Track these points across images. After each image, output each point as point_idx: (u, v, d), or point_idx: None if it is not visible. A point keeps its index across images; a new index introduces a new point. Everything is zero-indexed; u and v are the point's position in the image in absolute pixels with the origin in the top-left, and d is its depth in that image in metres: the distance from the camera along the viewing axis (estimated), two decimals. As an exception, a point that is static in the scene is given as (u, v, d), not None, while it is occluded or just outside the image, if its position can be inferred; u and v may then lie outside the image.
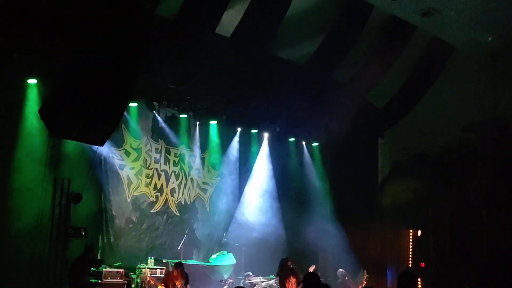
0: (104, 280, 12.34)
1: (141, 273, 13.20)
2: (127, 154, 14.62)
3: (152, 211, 15.08)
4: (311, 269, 13.93)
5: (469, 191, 15.93)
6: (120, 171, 14.43)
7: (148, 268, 13.31)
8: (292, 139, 17.92)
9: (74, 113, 8.76)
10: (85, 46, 9.17)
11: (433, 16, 12.86)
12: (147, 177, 15.05)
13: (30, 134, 11.93)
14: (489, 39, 13.61)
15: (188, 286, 12.29)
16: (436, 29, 13.69)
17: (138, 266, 13.59)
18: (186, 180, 15.95)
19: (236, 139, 16.83)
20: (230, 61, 12.86)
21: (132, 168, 14.73)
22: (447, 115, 15.67)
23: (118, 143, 14.33)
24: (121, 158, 14.47)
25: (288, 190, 17.30)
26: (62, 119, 8.79)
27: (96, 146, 12.10)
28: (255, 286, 14.26)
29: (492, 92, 14.04)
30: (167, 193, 15.44)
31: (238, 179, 17.01)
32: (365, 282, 14.54)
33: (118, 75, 9.22)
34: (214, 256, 15.28)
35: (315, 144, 18.23)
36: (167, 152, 15.58)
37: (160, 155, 15.41)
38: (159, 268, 13.49)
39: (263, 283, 14.36)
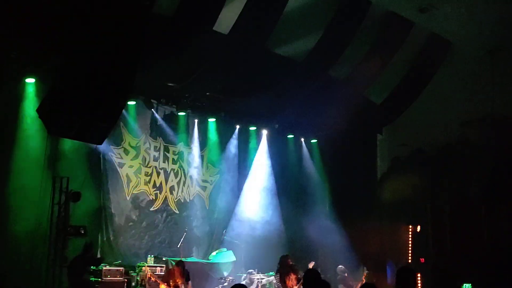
0: (104, 278, 12.34)
1: (141, 271, 13.21)
2: (126, 152, 14.63)
3: (151, 209, 15.10)
4: (311, 265, 13.94)
5: (468, 187, 15.94)
6: (119, 169, 14.43)
7: (148, 266, 13.32)
8: (290, 136, 17.92)
9: (72, 111, 8.75)
10: (82, 45, 9.16)
11: (431, 12, 12.85)
12: (146, 175, 15.06)
13: (29, 133, 11.92)
14: (487, 34, 13.59)
15: (189, 283, 12.31)
16: (433, 24, 13.67)
17: (138, 264, 13.61)
18: (185, 177, 15.96)
19: (234, 136, 16.84)
20: (228, 58, 12.84)
21: (131, 166, 14.73)
22: (446, 111, 15.67)
23: (117, 142, 14.34)
24: (120, 156, 14.47)
25: (287, 187, 17.31)
26: (60, 118, 8.77)
27: (95, 145, 12.10)
28: (253, 283, 14.27)
29: (490, 88, 14.02)
30: (166, 191, 15.45)
31: (237, 176, 17.02)
32: (364, 279, 14.55)
33: (116, 73, 9.22)
34: (213, 253, 15.29)
35: (313, 140, 18.24)
36: (166, 150, 15.58)
37: (159, 153, 15.42)
38: (159, 266, 13.50)
39: (263, 280, 14.37)
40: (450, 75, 15.06)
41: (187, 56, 12.42)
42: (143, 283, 13.06)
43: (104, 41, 9.04)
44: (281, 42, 13.93)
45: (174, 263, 13.04)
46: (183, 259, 13.07)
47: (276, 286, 13.48)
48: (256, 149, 17.27)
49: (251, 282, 14.31)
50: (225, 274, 14.74)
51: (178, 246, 14.29)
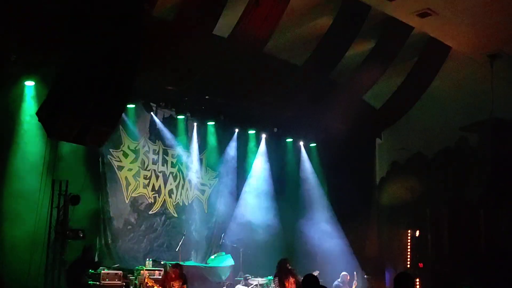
0: (103, 282, 12.28)
1: (139, 275, 13.16)
2: (125, 155, 14.62)
3: (150, 212, 15.09)
4: (316, 274, 13.90)
5: (467, 190, 15.97)
6: (118, 173, 14.43)
7: (146, 269, 13.28)
8: (289, 140, 17.92)
9: (72, 115, 8.74)
10: (82, 48, 9.15)
11: (430, 17, 12.86)
12: (145, 178, 15.05)
13: (28, 136, 11.91)
14: (486, 39, 13.61)
15: (185, 287, 12.29)
16: (433, 29, 13.69)
17: (137, 267, 13.55)
18: (184, 181, 15.95)
19: (233, 139, 16.83)
20: (228, 61, 12.85)
21: (130, 169, 14.73)
22: (445, 115, 15.70)
23: (116, 145, 14.33)
24: (119, 160, 14.46)
25: (286, 191, 17.30)
26: (59, 121, 8.77)
27: (94, 148, 12.09)
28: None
29: (489, 92, 14.04)
30: (165, 194, 15.44)
31: (236, 180, 16.99)
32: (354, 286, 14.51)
33: (115, 76, 9.20)
34: (212, 257, 15.28)
35: (312, 144, 18.24)
36: (165, 153, 15.58)
37: (158, 156, 15.42)
38: (157, 270, 13.46)
39: (262, 284, 14.33)
40: (449, 79, 15.09)
41: (187, 59, 12.43)
42: (141, 287, 13.03)
43: (104, 44, 9.03)
44: (280, 46, 13.96)
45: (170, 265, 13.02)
46: (181, 263, 13.06)
47: None
48: (255, 152, 17.25)
49: (248, 286, 14.28)
50: (223, 278, 14.72)
51: (177, 250, 14.27)
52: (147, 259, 13.91)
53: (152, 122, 15.21)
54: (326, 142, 17.47)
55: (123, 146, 14.57)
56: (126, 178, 14.58)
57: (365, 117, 16.04)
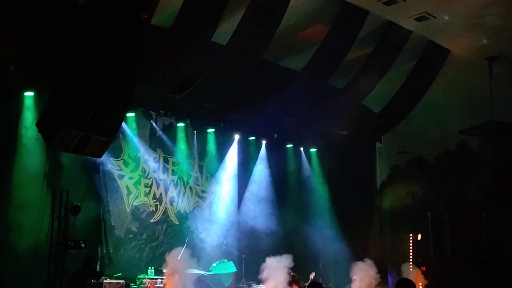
0: (105, 292, 12.30)
1: (141, 284, 13.15)
2: (126, 164, 14.61)
3: (151, 220, 15.06)
4: (312, 276, 13.90)
5: (468, 194, 15.95)
6: (119, 181, 14.40)
7: (148, 278, 13.27)
8: (290, 145, 17.92)
9: (72, 125, 8.73)
10: (80, 58, 9.14)
11: (428, 21, 12.88)
12: (146, 186, 15.03)
13: (28, 147, 11.90)
14: (484, 42, 13.63)
15: None
16: (431, 33, 13.70)
17: (139, 276, 13.54)
18: (185, 188, 15.93)
19: (234, 146, 16.81)
20: (227, 68, 12.87)
21: (131, 178, 14.71)
22: (444, 118, 15.71)
23: (116, 154, 14.32)
24: (119, 168, 14.45)
25: (287, 197, 17.29)
26: (59, 131, 8.75)
27: (95, 158, 12.08)
28: None
29: (489, 95, 14.05)
30: (166, 202, 15.42)
31: (236, 187, 16.96)
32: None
33: (115, 85, 9.19)
34: (214, 264, 15.23)
35: (313, 149, 18.23)
36: (165, 161, 15.57)
37: (159, 164, 15.41)
38: (159, 278, 13.44)
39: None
40: (449, 83, 15.09)
41: (186, 67, 12.44)
42: (143, 294, 13.03)
43: (103, 53, 9.02)
44: (279, 53, 13.98)
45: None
46: (184, 271, 13.02)
47: None
48: (255, 159, 17.24)
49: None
50: (226, 285, 14.69)
51: (179, 258, 14.22)
52: (149, 267, 13.89)
53: (152, 130, 15.21)
54: (327, 147, 17.48)
55: (124, 154, 14.56)
56: (127, 186, 14.57)
57: (365, 121, 16.05)
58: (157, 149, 15.37)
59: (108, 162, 14.05)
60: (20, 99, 12.08)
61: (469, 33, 13.36)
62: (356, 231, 16.55)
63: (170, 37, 11.71)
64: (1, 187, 11.56)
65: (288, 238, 16.56)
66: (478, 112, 14.71)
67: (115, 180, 14.29)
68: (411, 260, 15.15)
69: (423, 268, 15.28)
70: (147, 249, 14.78)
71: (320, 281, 14.96)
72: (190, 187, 16.04)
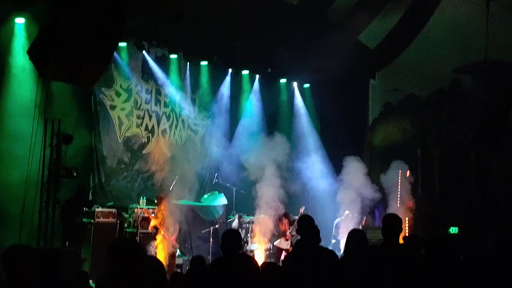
0: (97, 219, 12.47)
1: (133, 213, 13.34)
2: (118, 94, 14.55)
3: (144, 151, 15.14)
4: (301, 210, 14.11)
5: (458, 132, 16.05)
6: (111, 112, 14.39)
7: (140, 208, 13.45)
8: (283, 81, 17.83)
9: (64, 53, 8.63)
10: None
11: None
12: (138, 118, 15.03)
13: (19, 75, 11.79)
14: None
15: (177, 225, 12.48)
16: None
17: (131, 206, 13.72)
18: (177, 121, 15.94)
19: (227, 80, 16.73)
20: (222, 0, 12.65)
21: (123, 109, 14.68)
22: (439, 56, 15.59)
23: (108, 84, 14.24)
24: (111, 99, 14.40)
25: (279, 131, 17.30)
26: (51, 59, 8.66)
27: (86, 87, 11.99)
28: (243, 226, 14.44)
29: (484, 33, 13.92)
30: (158, 134, 15.46)
31: (229, 120, 17.00)
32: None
33: (107, 14, 9.04)
34: (205, 196, 15.43)
35: (306, 85, 18.17)
36: (158, 93, 15.50)
37: (151, 96, 15.35)
38: (151, 208, 13.62)
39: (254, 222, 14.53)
40: (444, 21, 14.92)
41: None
42: (135, 224, 13.22)
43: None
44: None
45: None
46: (175, 202, 13.18)
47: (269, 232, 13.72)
48: (248, 93, 17.19)
49: (241, 225, 14.48)
50: (217, 216, 14.93)
51: (170, 189, 14.37)
52: (141, 197, 14.05)
53: (145, 61, 15.07)
54: (320, 83, 17.41)
55: (116, 85, 14.48)
56: (119, 117, 14.56)
57: (359, 57, 15.94)
58: (150, 81, 15.28)
59: (100, 92, 13.98)
60: (11, 26, 11.86)
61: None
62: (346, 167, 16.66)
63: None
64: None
65: (279, 172, 16.67)
66: (472, 51, 14.61)
67: (107, 110, 14.27)
68: (398, 195, 15.34)
69: (410, 204, 15.51)
70: (138, 179, 14.93)
71: (303, 211, 15.25)
72: (183, 120, 16.05)
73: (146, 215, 12.88)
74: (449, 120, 16.27)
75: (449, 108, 16.32)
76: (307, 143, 17.43)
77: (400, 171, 15.73)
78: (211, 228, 14.17)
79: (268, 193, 13.44)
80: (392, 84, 17.41)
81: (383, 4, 14.27)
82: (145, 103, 15.19)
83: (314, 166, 16.04)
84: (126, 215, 13.44)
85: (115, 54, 12.91)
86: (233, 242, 5.66)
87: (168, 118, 15.73)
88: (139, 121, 15.05)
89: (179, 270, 12.16)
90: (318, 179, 15.90)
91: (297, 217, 13.76)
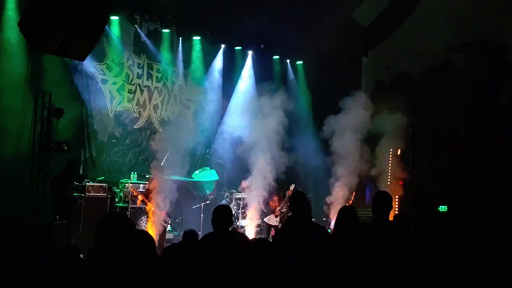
0: (87, 194, 12.44)
1: (124, 188, 13.35)
2: (109, 68, 14.45)
3: (135, 126, 15.10)
4: (292, 188, 14.16)
5: (449, 111, 16.09)
6: (102, 86, 14.29)
7: (131, 183, 13.45)
8: (276, 57, 17.75)
9: (54, 26, 8.53)
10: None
11: None
12: (129, 92, 14.95)
13: (10, 48, 11.65)
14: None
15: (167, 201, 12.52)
16: None
17: (121, 180, 13.72)
18: (169, 96, 15.88)
19: (219, 55, 16.62)
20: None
21: (115, 83, 14.59)
22: (432, 35, 15.56)
23: (100, 58, 14.12)
24: (102, 73, 14.30)
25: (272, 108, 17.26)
26: (42, 32, 8.56)
27: (78, 61, 11.87)
28: (233, 202, 14.48)
29: (477, 13, 13.89)
30: (150, 109, 15.41)
31: (221, 96, 16.94)
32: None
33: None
34: (197, 172, 15.44)
35: (299, 62, 18.10)
36: (150, 67, 15.41)
37: (143, 70, 15.25)
38: (142, 183, 13.63)
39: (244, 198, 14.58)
40: (438, -1, 14.90)
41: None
42: (126, 199, 13.24)
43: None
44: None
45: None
46: (166, 177, 13.19)
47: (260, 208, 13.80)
48: (241, 69, 17.11)
49: (231, 201, 14.52)
50: (208, 192, 14.96)
51: (162, 164, 14.36)
52: (132, 172, 14.05)
53: (137, 35, 14.94)
54: (313, 60, 17.34)
55: (107, 59, 14.37)
56: (110, 91, 14.48)
57: (353, 35, 15.89)
58: (141, 55, 15.17)
59: (91, 66, 13.87)
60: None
61: None
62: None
63: None
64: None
65: (271, 149, 16.68)
66: (465, 30, 14.60)
67: (98, 84, 14.17)
68: (389, 173, 15.41)
69: (401, 182, 15.60)
70: (130, 154, 14.91)
71: (293, 189, 15.31)
72: (175, 95, 15.98)
73: (135, 194, 12.88)
74: (440, 98, 16.28)
75: (441, 86, 16.33)
76: (299, 121, 17.40)
77: (391, 149, 15.79)
78: (202, 204, 14.23)
79: (259, 169, 13.47)
80: (384, 62, 17.39)
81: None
82: (137, 77, 15.11)
83: (306, 144, 16.06)
84: (117, 190, 13.45)
85: (106, 27, 12.83)
86: (224, 217, 5.69)
87: (160, 93, 15.66)
88: (131, 96, 14.98)
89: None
90: (310, 156, 15.93)
91: (287, 194, 13.84)
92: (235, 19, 14.64)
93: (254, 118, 16.57)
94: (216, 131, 16.50)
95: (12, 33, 11.37)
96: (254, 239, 9.87)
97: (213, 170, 15.33)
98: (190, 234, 6.96)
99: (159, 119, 15.60)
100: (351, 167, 14.51)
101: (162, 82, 15.69)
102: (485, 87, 15.22)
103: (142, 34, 14.94)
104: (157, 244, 9.60)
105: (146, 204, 12.54)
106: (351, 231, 5.67)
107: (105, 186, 12.86)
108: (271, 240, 12.47)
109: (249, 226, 13.86)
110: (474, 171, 15.68)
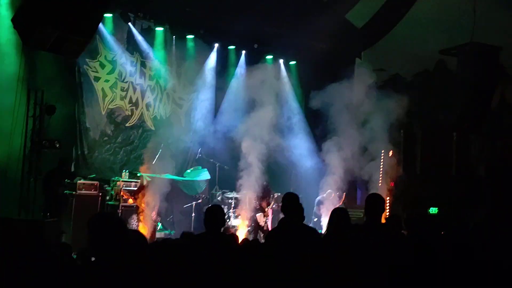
0: (79, 191, 12.37)
1: (115, 186, 13.29)
2: (102, 66, 14.40)
3: (127, 124, 15.07)
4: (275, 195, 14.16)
5: (441, 114, 16.17)
6: (94, 83, 14.25)
7: (122, 181, 13.40)
8: (269, 57, 17.74)
9: (49, 23, 8.51)
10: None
11: None
12: (122, 90, 14.91)
13: (3, 44, 11.60)
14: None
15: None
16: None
17: (113, 178, 13.67)
18: (162, 94, 15.85)
19: (213, 54, 16.60)
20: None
21: (107, 80, 14.55)
22: (425, 37, 15.63)
23: (93, 55, 14.07)
24: (95, 70, 14.25)
25: (264, 108, 17.26)
26: (36, 29, 8.55)
27: (71, 58, 11.85)
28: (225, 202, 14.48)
29: (471, 16, 13.96)
30: (142, 107, 15.37)
31: (214, 95, 16.91)
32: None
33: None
34: (188, 171, 15.42)
35: (292, 62, 18.10)
36: (143, 65, 15.37)
37: (136, 69, 15.20)
38: (133, 181, 13.59)
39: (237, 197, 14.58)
40: (431, 2, 14.94)
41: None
42: (117, 198, 13.19)
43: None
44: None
45: (149, 179, 13.15)
46: (158, 176, 13.17)
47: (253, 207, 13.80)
48: (234, 68, 17.09)
49: (223, 201, 14.51)
50: (199, 191, 14.93)
51: (153, 163, 14.34)
52: (124, 170, 14.00)
53: (130, 33, 14.89)
54: (306, 61, 17.34)
55: (100, 56, 14.32)
56: (102, 89, 14.43)
57: (346, 36, 15.91)
58: (135, 53, 15.13)
59: (84, 63, 13.82)
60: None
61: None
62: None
63: None
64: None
65: (263, 149, 16.69)
66: (459, 33, 14.66)
67: (90, 82, 14.13)
68: (380, 175, 15.46)
69: (392, 184, 15.65)
70: (121, 152, 14.87)
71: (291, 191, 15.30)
72: (167, 93, 15.95)
73: (125, 197, 12.84)
74: (433, 101, 16.35)
75: (433, 89, 16.40)
76: (291, 121, 17.41)
77: (382, 150, 15.83)
78: (194, 203, 14.20)
79: (252, 169, 13.46)
80: (377, 64, 17.41)
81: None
82: (130, 75, 15.06)
83: (298, 145, 16.06)
84: (108, 188, 13.39)
85: (100, 25, 12.75)
86: (216, 218, 5.68)
87: (152, 91, 15.62)
88: (123, 94, 14.94)
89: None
90: (302, 157, 15.94)
91: (275, 196, 13.93)
92: (229, 18, 14.62)
93: (247, 118, 16.58)
94: (209, 130, 16.46)
95: (4, 30, 11.29)
96: (245, 239, 9.87)
97: (205, 169, 15.31)
98: (187, 236, 6.89)
99: (151, 117, 15.57)
100: (342, 168, 14.53)
101: (155, 80, 15.65)
102: (477, 90, 15.29)
103: (136, 32, 14.90)
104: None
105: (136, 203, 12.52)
106: (344, 233, 5.68)
107: (97, 184, 12.80)
108: (259, 238, 12.55)
109: (241, 226, 13.85)
110: (465, 173, 15.75)
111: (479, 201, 14.75)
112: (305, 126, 17.35)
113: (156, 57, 15.41)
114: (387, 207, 14.58)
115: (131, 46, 15.02)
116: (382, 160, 15.76)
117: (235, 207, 14.23)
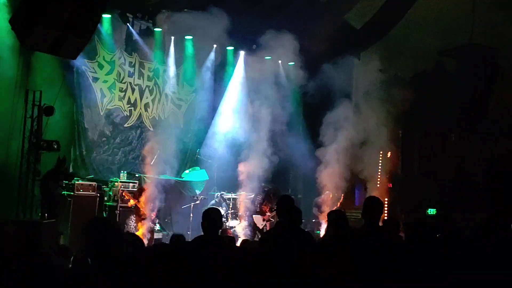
0: (77, 192, 12.40)
1: (113, 187, 13.30)
2: (100, 67, 14.39)
3: (125, 125, 15.06)
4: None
5: (440, 115, 16.17)
6: (93, 84, 14.24)
7: (120, 182, 13.39)
8: (268, 58, 17.71)
9: (46, 24, 8.49)
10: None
11: None
12: (120, 91, 14.90)
13: (1, 46, 11.57)
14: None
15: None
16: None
17: (111, 179, 13.68)
18: (160, 95, 15.84)
19: (211, 55, 16.58)
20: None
21: (106, 81, 14.54)
22: (424, 38, 15.62)
23: (91, 56, 14.06)
24: (94, 71, 14.25)
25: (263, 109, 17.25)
26: (33, 30, 8.52)
27: (69, 59, 11.84)
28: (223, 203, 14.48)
29: (470, 17, 13.96)
30: (141, 108, 15.36)
31: (212, 96, 16.89)
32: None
33: (91, -15, 8.90)
34: (187, 171, 15.41)
35: (291, 63, 18.07)
36: (141, 66, 15.36)
37: (134, 69, 15.21)
38: (131, 182, 13.58)
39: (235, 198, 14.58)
40: (430, 3, 14.92)
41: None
42: (115, 198, 13.19)
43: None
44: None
45: (148, 180, 13.16)
46: (156, 176, 13.16)
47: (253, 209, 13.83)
48: (232, 69, 17.08)
49: (221, 202, 14.50)
50: (198, 192, 14.94)
51: (152, 164, 14.32)
52: (122, 171, 14.00)
53: (129, 33, 14.88)
54: (305, 62, 17.31)
55: (98, 57, 14.31)
56: (101, 90, 14.42)
57: (345, 37, 15.90)
58: (133, 54, 15.12)
59: (82, 64, 13.81)
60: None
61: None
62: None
63: None
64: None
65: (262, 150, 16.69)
66: (457, 34, 14.67)
67: (89, 82, 14.12)
68: (378, 176, 15.47)
69: (390, 185, 15.66)
70: (119, 153, 14.86)
71: (289, 192, 15.35)
72: (166, 94, 15.93)
73: (127, 197, 12.83)
74: (431, 102, 16.35)
75: (432, 90, 16.39)
76: (290, 122, 17.39)
77: (381, 152, 15.85)
78: (192, 203, 14.19)
79: (250, 170, 13.47)
80: (376, 65, 17.40)
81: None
82: (128, 76, 15.06)
83: (296, 146, 16.06)
84: (106, 189, 13.39)
85: (98, 25, 12.73)
86: (214, 220, 5.65)
87: (151, 92, 15.62)
88: (122, 94, 14.93)
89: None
90: (300, 158, 15.94)
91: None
92: (227, 19, 14.59)
93: (245, 119, 16.59)
94: (207, 131, 16.46)
95: (2, 32, 11.26)
96: (245, 240, 9.88)
97: (203, 170, 15.31)
98: (177, 239, 6.84)
99: (150, 118, 15.57)
100: (340, 169, 14.53)
101: (153, 81, 15.65)
102: (475, 91, 15.30)
103: (134, 33, 14.89)
104: (146, 245, 9.58)
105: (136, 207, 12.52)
106: (343, 235, 5.67)
107: (95, 184, 12.81)
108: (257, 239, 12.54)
109: (239, 227, 13.85)
110: (463, 174, 15.76)
111: (477, 202, 14.75)
112: (304, 127, 17.34)
113: (154, 57, 15.40)
114: (385, 208, 14.59)
115: (130, 47, 15.01)
116: (380, 161, 15.78)
117: (233, 208, 14.25)
